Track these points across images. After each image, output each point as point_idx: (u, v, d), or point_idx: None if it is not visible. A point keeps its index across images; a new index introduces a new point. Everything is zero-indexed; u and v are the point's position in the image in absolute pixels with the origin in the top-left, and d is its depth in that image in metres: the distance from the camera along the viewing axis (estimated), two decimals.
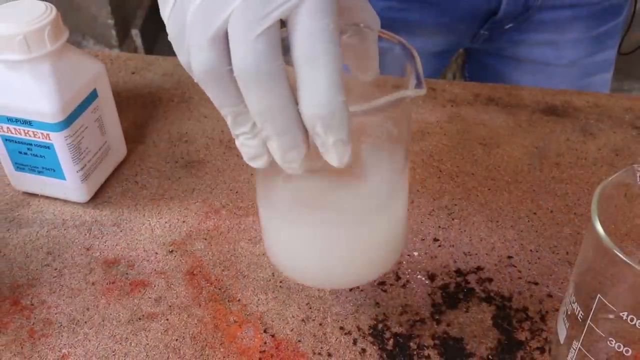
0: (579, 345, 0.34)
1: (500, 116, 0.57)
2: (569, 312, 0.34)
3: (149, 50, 1.94)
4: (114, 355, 0.39)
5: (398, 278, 0.43)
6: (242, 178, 0.51)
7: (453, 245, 0.46)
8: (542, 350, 0.39)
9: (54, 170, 0.47)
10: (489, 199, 0.49)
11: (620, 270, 0.30)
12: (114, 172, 0.52)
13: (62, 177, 0.47)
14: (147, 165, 0.53)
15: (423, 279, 0.43)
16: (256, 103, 0.27)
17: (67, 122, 0.45)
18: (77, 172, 0.47)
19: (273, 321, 0.41)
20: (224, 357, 0.39)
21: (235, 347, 0.39)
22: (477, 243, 0.46)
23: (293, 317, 0.41)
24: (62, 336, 0.40)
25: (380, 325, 0.41)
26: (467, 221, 0.47)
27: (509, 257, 0.45)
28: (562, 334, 0.35)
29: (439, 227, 0.47)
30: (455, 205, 0.49)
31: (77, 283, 0.44)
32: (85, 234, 0.47)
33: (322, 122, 0.27)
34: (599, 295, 0.31)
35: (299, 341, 0.40)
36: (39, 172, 0.48)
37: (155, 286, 0.43)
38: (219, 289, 0.43)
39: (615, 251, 0.29)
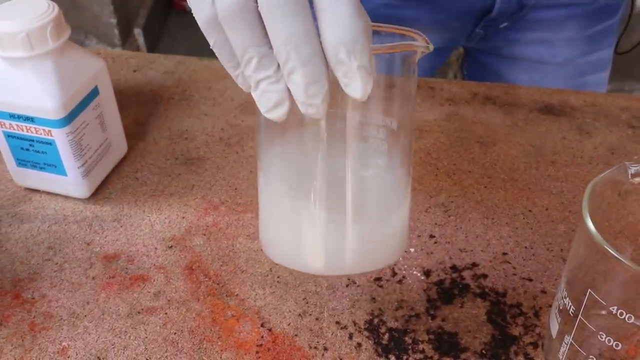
0: (571, 339, 0.34)
1: (497, 115, 0.58)
2: (560, 308, 0.35)
3: (151, 48, 1.95)
4: (113, 348, 0.40)
5: (394, 274, 0.44)
6: (241, 175, 0.52)
7: (449, 242, 0.46)
8: (535, 345, 0.39)
9: (56, 167, 0.48)
10: (485, 196, 0.50)
11: (611, 266, 0.31)
12: (115, 169, 0.53)
13: (64, 173, 0.48)
14: (147, 162, 0.53)
15: (419, 274, 0.44)
16: (282, 31, 0.28)
17: (69, 118, 0.45)
18: (78, 168, 0.48)
19: (270, 315, 0.41)
20: (221, 350, 0.39)
21: (232, 341, 0.40)
22: (472, 240, 0.46)
23: (290, 311, 0.42)
24: (62, 329, 0.41)
25: (376, 320, 0.41)
26: (463, 218, 0.48)
27: (504, 253, 0.45)
28: (555, 329, 0.36)
29: (435, 223, 0.48)
30: (452, 202, 0.49)
31: (78, 277, 0.44)
32: (86, 229, 0.48)
33: (345, 47, 0.28)
34: (590, 290, 0.32)
35: (296, 335, 0.40)
36: (41, 168, 0.48)
37: (154, 281, 0.44)
38: (217, 284, 0.43)
39: (606, 247, 0.30)
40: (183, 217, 0.48)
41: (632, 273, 0.29)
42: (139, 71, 0.64)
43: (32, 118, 0.45)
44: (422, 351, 0.39)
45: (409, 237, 0.43)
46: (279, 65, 0.29)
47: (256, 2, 0.28)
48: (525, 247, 0.45)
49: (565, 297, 0.34)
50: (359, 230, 0.34)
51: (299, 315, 0.41)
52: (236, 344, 0.40)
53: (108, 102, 0.50)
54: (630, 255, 0.36)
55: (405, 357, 0.39)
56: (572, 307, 0.34)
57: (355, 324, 0.41)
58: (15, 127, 0.46)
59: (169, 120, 0.58)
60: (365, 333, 0.40)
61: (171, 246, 0.46)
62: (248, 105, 0.59)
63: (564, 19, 0.69)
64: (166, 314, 0.42)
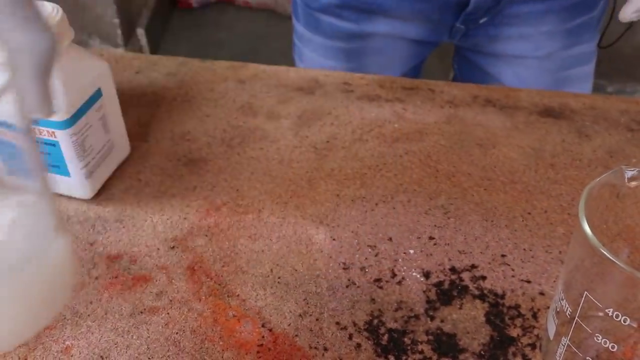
0: (568, 341, 0.35)
1: (497, 117, 0.58)
2: (557, 310, 0.35)
3: (154, 49, 1.95)
4: (116, 347, 0.40)
5: (394, 275, 0.44)
6: (243, 176, 0.52)
7: (448, 244, 0.46)
8: (533, 346, 0.40)
9: (59, 167, 0.48)
10: (484, 198, 0.50)
11: (607, 269, 0.31)
12: (118, 170, 0.53)
13: (67, 174, 0.49)
14: (150, 163, 0.54)
15: (418, 276, 0.44)
16: None
17: (72, 120, 0.46)
18: (81, 169, 0.48)
19: (271, 316, 0.42)
20: (222, 350, 0.40)
21: (233, 341, 0.40)
22: (471, 242, 0.47)
23: (290, 312, 0.42)
24: (65, 328, 0.41)
25: (375, 321, 0.42)
26: (463, 220, 0.48)
27: (503, 255, 0.46)
28: (552, 331, 0.36)
29: (435, 225, 0.48)
30: (451, 204, 0.50)
31: (81, 277, 0.45)
32: (89, 230, 0.48)
33: None
34: (586, 292, 0.32)
35: (296, 336, 0.41)
36: None
37: (156, 281, 0.44)
38: (219, 284, 0.44)
39: (602, 250, 0.30)
40: (185, 218, 0.49)
41: (628, 275, 0.30)
42: (142, 72, 0.65)
43: (36, 120, 0.46)
44: (421, 352, 0.40)
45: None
46: None
47: None
48: (524, 249, 0.46)
49: (562, 299, 0.35)
50: None
51: (300, 315, 0.42)
52: (237, 344, 0.40)
53: (111, 103, 0.51)
54: (626, 258, 0.37)
55: (404, 358, 0.39)
56: (568, 309, 0.34)
57: (355, 324, 0.41)
58: None
59: (172, 122, 0.58)
60: (365, 334, 0.41)
61: (173, 247, 0.47)
62: (249, 107, 0.60)
63: (543, 13, 0.70)
64: (168, 314, 0.42)
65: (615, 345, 0.32)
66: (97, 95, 0.48)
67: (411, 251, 0.46)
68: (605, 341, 0.32)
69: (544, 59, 0.74)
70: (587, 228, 0.31)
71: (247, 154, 0.55)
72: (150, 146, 0.56)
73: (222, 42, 2.05)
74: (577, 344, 0.34)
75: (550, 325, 0.36)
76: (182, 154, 0.55)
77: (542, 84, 0.75)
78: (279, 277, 0.44)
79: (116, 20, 1.83)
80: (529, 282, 0.44)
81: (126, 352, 0.40)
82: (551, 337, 0.36)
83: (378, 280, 0.44)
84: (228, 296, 0.43)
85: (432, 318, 0.42)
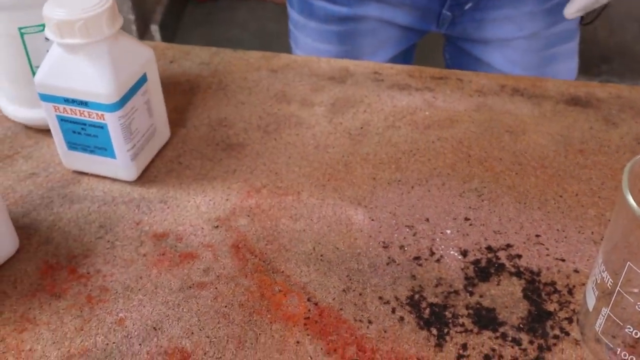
0: (608, 311, 0.36)
1: (525, 106, 0.60)
2: (598, 281, 0.37)
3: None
4: (167, 319, 0.42)
5: (432, 253, 0.46)
6: (281, 160, 0.54)
7: (483, 224, 0.48)
8: (570, 320, 0.41)
9: (106, 150, 0.50)
10: (516, 182, 0.52)
11: None
12: (159, 154, 0.55)
13: (113, 156, 0.50)
14: (189, 148, 0.56)
15: (456, 254, 0.46)
16: None
17: (121, 103, 0.48)
18: (128, 151, 0.50)
19: (316, 291, 0.43)
20: (271, 322, 0.41)
21: (281, 314, 0.42)
22: (506, 222, 0.48)
23: (334, 287, 0.44)
24: (118, 302, 0.43)
25: (416, 296, 0.43)
26: (496, 202, 0.50)
27: (537, 235, 0.47)
28: (591, 303, 0.38)
29: (470, 207, 0.49)
30: (485, 187, 0.51)
31: (129, 254, 0.46)
32: (134, 210, 0.50)
33: None
34: (629, 262, 0.34)
35: (341, 309, 0.42)
36: (91, 152, 0.51)
37: (203, 258, 0.46)
38: (263, 262, 0.46)
39: None
40: (227, 199, 0.51)
41: None
42: (176, 62, 0.67)
43: (86, 102, 0.48)
44: (462, 325, 0.41)
45: None
46: None
47: None
48: (557, 230, 0.47)
49: (603, 271, 0.36)
50: None
51: (343, 290, 0.43)
52: (285, 317, 0.42)
53: (155, 88, 0.52)
54: None
55: (446, 330, 0.41)
56: (610, 280, 0.35)
57: (397, 299, 0.43)
58: (69, 111, 0.49)
59: (208, 109, 0.60)
60: (407, 308, 0.42)
61: (217, 226, 0.48)
62: (283, 95, 0.61)
63: None
64: (216, 288, 0.44)
65: None
66: (143, 80, 0.50)
67: (448, 231, 0.48)
68: None
69: (529, 38, 0.77)
70: (630, 199, 0.33)
71: (284, 139, 0.56)
72: (189, 131, 0.57)
73: (235, 38, 2.07)
74: (618, 314, 0.36)
75: (589, 297, 0.38)
76: (220, 139, 0.57)
77: (531, 64, 0.79)
78: (321, 255, 0.46)
79: (131, 16, 1.85)
80: (563, 260, 0.45)
81: (177, 323, 0.42)
82: (590, 309, 0.38)
83: (417, 258, 0.46)
84: (273, 272, 0.45)
85: (471, 293, 0.43)
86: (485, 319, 0.42)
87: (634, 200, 0.33)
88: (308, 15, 0.80)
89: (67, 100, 0.48)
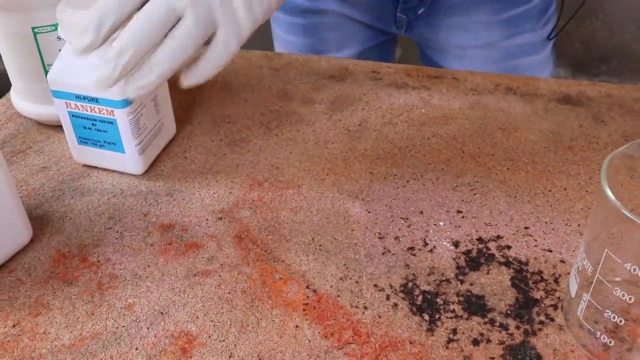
0: (589, 297, 0.38)
1: (518, 104, 0.62)
2: (579, 269, 0.39)
3: None
4: (174, 304, 0.44)
5: (425, 244, 0.48)
6: (282, 156, 0.56)
7: (475, 217, 0.50)
8: (555, 307, 0.43)
9: (115, 144, 0.52)
10: (507, 177, 0.54)
11: (627, 227, 0.35)
12: (165, 149, 0.57)
13: (122, 151, 0.53)
14: (194, 143, 0.58)
15: (448, 245, 0.48)
16: None
17: (130, 100, 0.50)
18: (136, 146, 0.52)
19: (314, 279, 0.46)
20: (271, 308, 0.44)
21: (281, 300, 0.44)
22: (497, 215, 0.50)
23: (332, 275, 0.46)
24: (127, 288, 0.45)
25: (410, 284, 0.45)
26: (488, 196, 0.52)
27: (526, 227, 0.49)
28: (573, 289, 0.40)
29: (462, 200, 0.52)
30: (477, 182, 0.53)
31: (137, 244, 0.49)
32: (142, 202, 0.52)
33: None
34: (607, 250, 0.36)
35: (338, 296, 0.45)
36: (101, 146, 0.53)
37: (207, 247, 0.48)
38: (265, 251, 0.48)
39: (622, 210, 0.34)
40: (230, 192, 0.53)
41: None
42: None
43: (96, 99, 0.50)
44: (453, 311, 0.43)
45: None
46: None
47: None
48: (546, 222, 0.50)
49: (584, 259, 0.38)
50: None
51: (340, 279, 0.46)
52: (285, 303, 0.44)
53: (162, 86, 0.55)
54: None
55: (437, 316, 0.43)
56: (590, 267, 0.38)
57: (391, 287, 0.45)
58: (80, 107, 0.51)
59: (212, 105, 0.62)
60: (401, 295, 0.45)
61: (221, 217, 0.51)
62: (285, 93, 0.64)
63: (474, 4, 0.74)
64: (220, 276, 0.46)
65: (632, 297, 0.36)
66: None
67: (441, 223, 0.50)
68: (623, 294, 0.36)
69: (485, 48, 0.78)
70: (608, 191, 0.35)
71: (285, 135, 0.59)
72: (194, 127, 0.60)
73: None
74: (599, 300, 0.38)
75: (572, 284, 0.40)
76: (224, 135, 0.59)
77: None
78: (320, 245, 0.48)
79: None
80: (550, 251, 0.47)
81: (183, 309, 0.44)
82: (573, 295, 0.40)
83: (411, 248, 0.48)
84: (274, 261, 0.47)
85: (462, 282, 0.45)
86: (475, 305, 0.44)
87: (612, 193, 0.35)
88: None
89: (79, 97, 0.50)
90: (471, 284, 0.45)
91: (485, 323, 0.43)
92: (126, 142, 0.52)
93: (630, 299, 0.36)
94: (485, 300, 0.44)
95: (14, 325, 0.43)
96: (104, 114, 0.51)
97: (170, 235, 0.49)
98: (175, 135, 0.59)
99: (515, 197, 0.52)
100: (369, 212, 0.51)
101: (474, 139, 0.58)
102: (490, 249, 0.48)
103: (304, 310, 0.44)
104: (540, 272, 0.46)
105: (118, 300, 0.45)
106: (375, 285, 0.45)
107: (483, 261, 0.47)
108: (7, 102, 0.63)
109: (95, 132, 0.52)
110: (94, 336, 0.42)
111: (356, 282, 0.45)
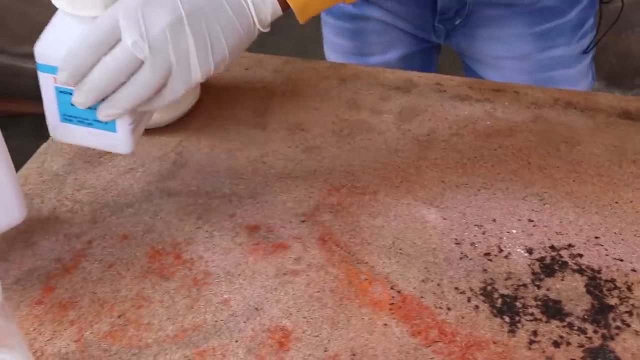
0: None
1: (579, 118, 0.64)
2: None
3: None
4: (267, 301, 0.47)
5: (500, 250, 0.51)
6: (356, 163, 0.59)
7: (546, 226, 0.53)
8: (630, 313, 0.46)
9: (106, 123, 0.49)
10: (574, 189, 0.56)
11: None
12: (243, 153, 0.60)
13: (113, 129, 0.49)
14: (271, 149, 0.61)
15: (522, 252, 0.51)
16: None
17: None
18: (129, 125, 0.49)
19: (397, 280, 0.48)
20: (359, 306, 0.47)
21: (368, 300, 0.47)
22: (567, 225, 0.53)
23: (414, 278, 0.49)
24: (221, 285, 0.48)
25: (489, 288, 0.48)
26: (557, 206, 0.54)
27: (596, 237, 0.52)
28: None
29: (532, 210, 0.54)
30: (545, 192, 0.56)
31: (227, 243, 0.52)
32: (227, 204, 0.55)
33: None
34: None
35: (422, 297, 0.47)
36: (89, 124, 0.49)
37: (293, 248, 0.51)
38: (349, 253, 0.51)
39: None
40: (310, 197, 0.56)
41: None
42: (250, 69, 0.72)
43: None
44: (532, 314, 0.46)
45: None
46: None
47: None
48: (615, 233, 0.52)
49: None
50: None
51: (422, 281, 0.48)
52: (372, 302, 0.47)
53: None
54: None
55: (517, 319, 0.46)
56: None
57: (471, 289, 0.48)
58: None
59: (284, 113, 0.65)
60: (481, 297, 0.47)
61: (303, 220, 0.53)
62: (354, 103, 0.67)
63: (508, 17, 0.77)
64: (308, 275, 0.49)
65: None
66: None
67: (514, 231, 0.52)
68: None
69: (520, 60, 0.81)
70: None
71: (357, 143, 0.61)
72: (269, 134, 0.63)
73: (276, 45, 2.12)
74: None
75: None
76: (299, 142, 0.62)
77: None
78: (400, 249, 0.51)
79: None
80: (621, 260, 0.50)
81: (277, 305, 0.47)
82: None
83: (487, 254, 0.50)
84: (358, 263, 0.50)
85: (539, 287, 0.48)
86: (553, 309, 0.46)
87: None
88: (327, 11, 0.88)
89: None
90: (547, 289, 0.48)
91: (564, 326, 0.45)
92: (120, 120, 0.49)
93: None
94: (562, 305, 0.47)
95: (119, 316, 0.46)
96: None
97: (257, 236, 0.52)
98: (252, 140, 0.62)
99: (583, 207, 0.54)
100: (444, 219, 0.53)
101: (538, 151, 0.60)
102: (563, 257, 0.50)
103: (390, 309, 0.46)
104: (613, 280, 0.48)
105: (214, 296, 0.48)
106: (456, 288, 0.48)
107: (557, 268, 0.49)
108: None
109: (84, 110, 0.48)
110: (195, 328, 0.45)
111: (438, 285, 0.48)
